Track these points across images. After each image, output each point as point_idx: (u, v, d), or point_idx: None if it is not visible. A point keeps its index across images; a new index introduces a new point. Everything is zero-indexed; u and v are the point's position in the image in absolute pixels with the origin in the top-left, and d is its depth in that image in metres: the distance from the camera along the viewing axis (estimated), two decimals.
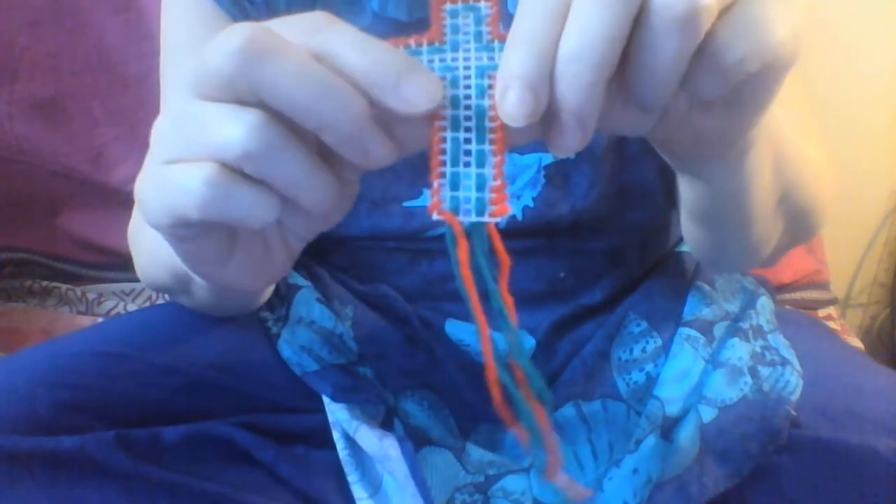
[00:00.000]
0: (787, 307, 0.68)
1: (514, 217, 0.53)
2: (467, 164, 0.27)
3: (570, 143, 0.27)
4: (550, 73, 0.26)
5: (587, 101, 0.26)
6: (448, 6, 0.29)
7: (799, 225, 0.48)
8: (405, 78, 0.26)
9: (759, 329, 0.53)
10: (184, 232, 0.30)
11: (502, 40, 0.28)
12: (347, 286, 0.58)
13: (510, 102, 0.26)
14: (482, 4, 0.29)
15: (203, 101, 0.27)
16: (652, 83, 0.27)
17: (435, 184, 0.28)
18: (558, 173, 0.53)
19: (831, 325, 0.82)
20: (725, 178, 0.38)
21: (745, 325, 0.52)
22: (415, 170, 0.53)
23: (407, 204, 0.54)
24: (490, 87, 0.28)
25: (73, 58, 0.83)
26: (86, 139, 0.84)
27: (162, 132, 0.29)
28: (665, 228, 0.59)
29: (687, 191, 0.43)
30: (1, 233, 0.86)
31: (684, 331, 0.52)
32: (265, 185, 0.27)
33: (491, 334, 0.27)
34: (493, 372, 0.27)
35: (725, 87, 0.27)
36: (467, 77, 0.28)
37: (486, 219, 0.27)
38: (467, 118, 0.28)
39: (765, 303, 0.56)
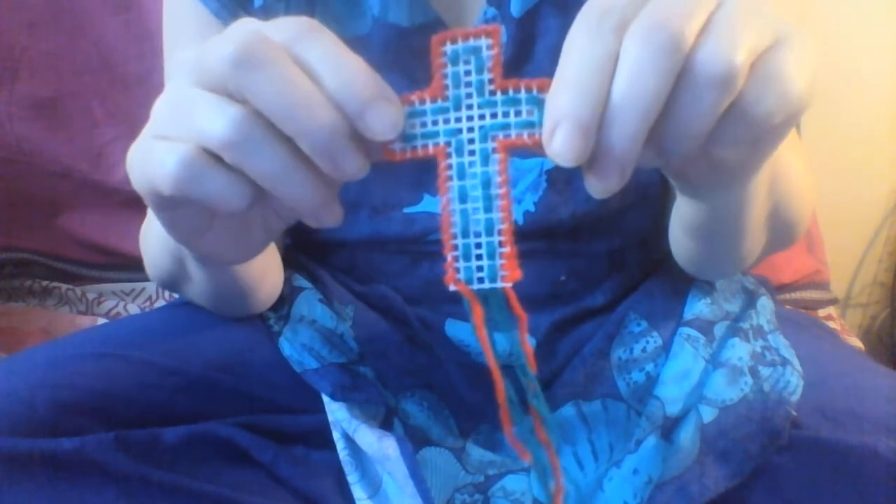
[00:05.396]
0: (788, 307, 0.68)
1: (515, 222, 0.53)
2: (477, 234, 0.28)
3: (610, 186, 0.28)
4: (599, 118, 0.26)
5: (632, 149, 0.27)
6: (448, 47, 0.28)
7: (782, 237, 0.50)
8: (370, 106, 0.27)
9: (760, 329, 0.53)
10: (161, 202, 0.32)
11: (504, 90, 0.28)
12: (348, 287, 0.58)
13: (559, 142, 0.26)
14: (483, 43, 0.28)
15: (197, 89, 0.29)
16: (684, 134, 0.28)
17: (448, 257, 0.29)
18: (560, 178, 0.53)
19: (831, 325, 0.82)
20: (730, 200, 0.39)
21: (745, 325, 0.52)
22: (415, 176, 0.53)
23: (408, 210, 0.54)
24: (494, 150, 0.28)
25: (73, 58, 0.83)
26: (86, 139, 0.84)
27: (158, 109, 0.31)
28: (665, 229, 0.59)
29: (687, 209, 0.44)
30: (1, 233, 0.86)
31: (684, 330, 0.52)
32: (242, 174, 0.29)
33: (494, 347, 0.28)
34: (508, 422, 0.28)
35: (751, 137, 0.28)
36: (472, 141, 0.28)
37: (498, 285, 0.28)
38: (474, 187, 0.28)
39: (765, 303, 0.56)
